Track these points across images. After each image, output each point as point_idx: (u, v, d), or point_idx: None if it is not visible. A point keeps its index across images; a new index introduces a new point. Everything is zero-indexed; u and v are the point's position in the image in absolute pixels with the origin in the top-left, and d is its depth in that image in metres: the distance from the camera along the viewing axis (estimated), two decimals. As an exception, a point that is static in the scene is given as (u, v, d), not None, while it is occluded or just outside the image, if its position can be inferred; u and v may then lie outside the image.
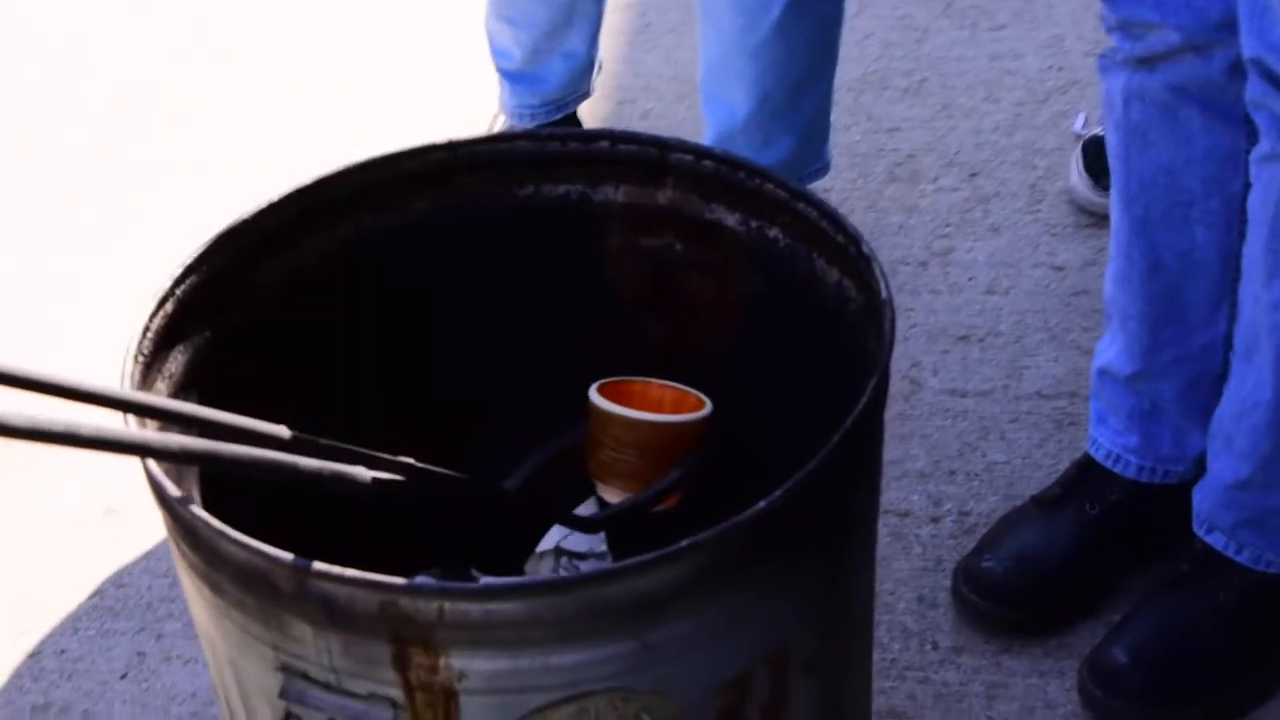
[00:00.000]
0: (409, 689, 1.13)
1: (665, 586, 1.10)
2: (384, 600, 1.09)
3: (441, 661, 1.11)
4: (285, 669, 1.17)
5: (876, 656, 1.98)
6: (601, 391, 1.48)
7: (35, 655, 2.12)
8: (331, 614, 1.11)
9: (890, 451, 2.32)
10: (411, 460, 1.20)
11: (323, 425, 1.19)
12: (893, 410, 2.39)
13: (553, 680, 1.12)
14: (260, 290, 1.42)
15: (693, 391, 1.51)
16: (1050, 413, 2.39)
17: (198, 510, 1.13)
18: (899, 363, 2.49)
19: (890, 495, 2.24)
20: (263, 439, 1.11)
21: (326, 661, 1.14)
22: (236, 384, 1.33)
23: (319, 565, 1.09)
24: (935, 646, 2.04)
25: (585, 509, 1.49)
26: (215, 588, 1.18)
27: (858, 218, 2.81)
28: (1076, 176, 2.77)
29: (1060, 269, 2.69)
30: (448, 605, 1.08)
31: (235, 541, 1.11)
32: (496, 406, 1.55)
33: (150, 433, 1.05)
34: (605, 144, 1.46)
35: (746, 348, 1.50)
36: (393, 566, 1.33)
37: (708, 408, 1.48)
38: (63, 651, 2.12)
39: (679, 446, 1.46)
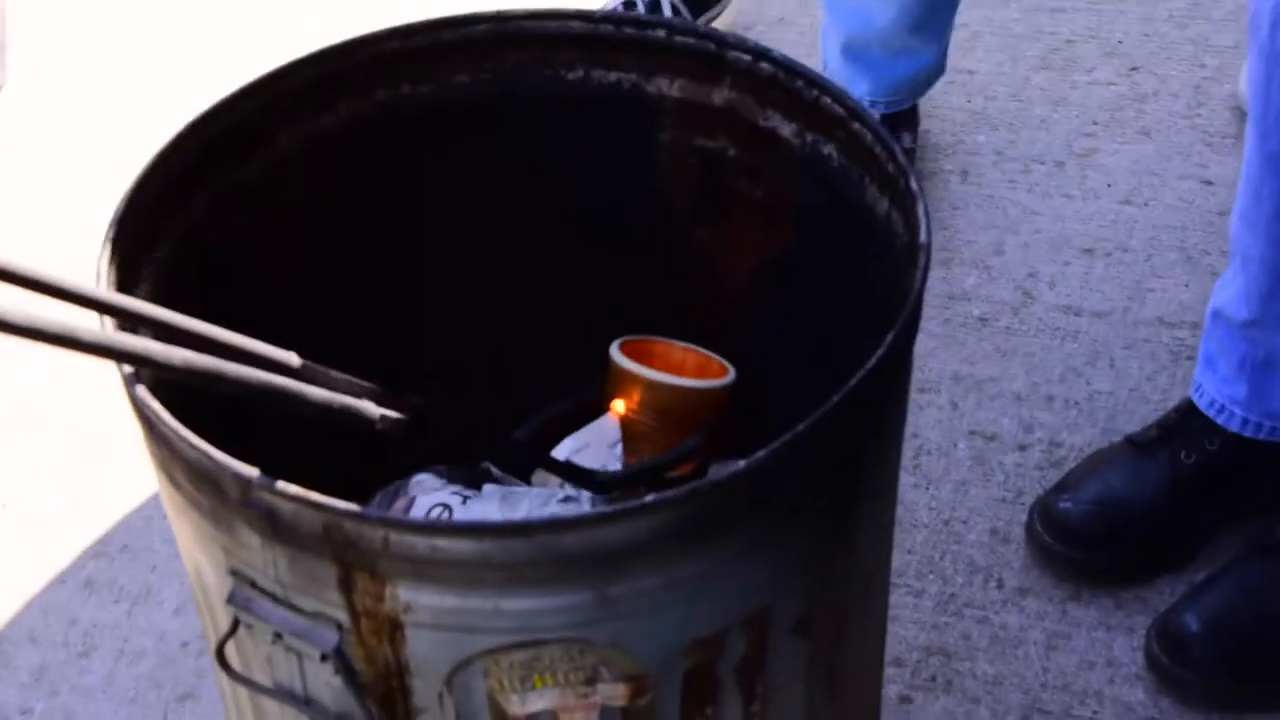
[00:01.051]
0: (354, 614, 1.10)
1: (626, 541, 1.05)
2: (328, 522, 1.05)
3: (387, 590, 1.07)
4: (235, 574, 1.14)
5: (935, 589, 1.93)
6: (624, 349, 1.43)
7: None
8: (276, 528, 1.07)
9: (987, 367, 2.23)
10: (420, 400, 1.15)
11: (326, 330, 1.15)
12: (999, 323, 2.30)
13: (503, 624, 1.08)
14: (279, 153, 1.37)
15: (716, 357, 1.47)
16: (1169, 342, 2.27)
17: (152, 403, 1.09)
18: (1014, 270, 2.39)
19: (979, 415, 2.16)
20: (268, 363, 1.07)
21: (273, 574, 1.11)
22: (236, 265, 1.29)
23: (262, 478, 1.05)
24: (1000, 585, 1.96)
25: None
26: (174, 482, 1.15)
27: (999, 106, 2.69)
28: (1246, 83, 2.61)
29: (1209, 184, 2.55)
30: (393, 535, 1.04)
31: (186, 440, 1.08)
32: (526, 314, 1.50)
33: (153, 345, 1.01)
34: (661, 33, 1.38)
35: (793, 267, 1.43)
36: (403, 459, 1.30)
37: (730, 375, 1.44)
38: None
39: (699, 413, 1.42)
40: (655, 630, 1.11)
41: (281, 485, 1.05)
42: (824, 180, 1.35)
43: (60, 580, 2.04)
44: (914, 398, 2.20)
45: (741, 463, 1.05)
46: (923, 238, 1.19)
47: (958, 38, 2.81)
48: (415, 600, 1.08)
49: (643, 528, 1.05)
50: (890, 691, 1.85)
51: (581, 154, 1.47)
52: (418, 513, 1.42)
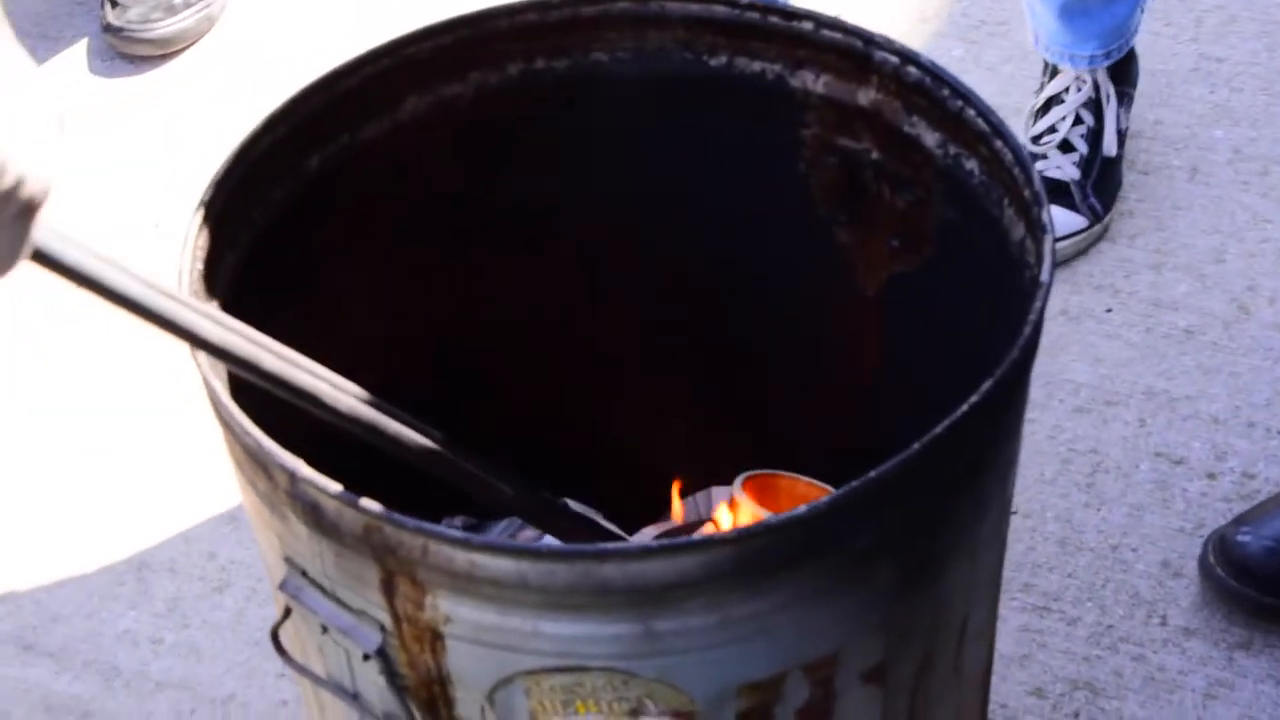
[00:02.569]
0: (396, 618, 1.08)
1: (672, 577, 1.01)
2: (368, 524, 1.03)
3: (428, 600, 1.05)
4: (289, 561, 1.13)
5: (1092, 618, 1.84)
6: (746, 485, 1.39)
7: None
8: (320, 523, 1.06)
9: (1186, 385, 2.12)
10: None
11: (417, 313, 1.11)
12: (1206, 337, 2.18)
13: (544, 646, 1.05)
14: (401, 118, 1.35)
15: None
16: (1392, 378, 2.12)
17: (212, 380, 1.09)
18: (1231, 281, 2.26)
19: (1169, 436, 2.05)
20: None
21: (320, 567, 1.10)
22: (335, 231, 1.28)
23: (306, 472, 1.03)
24: (1164, 622, 1.86)
25: None
26: (236, 461, 1.14)
27: (1244, 99, 2.55)
28: None
29: None
30: (432, 545, 1.02)
31: (239, 424, 1.07)
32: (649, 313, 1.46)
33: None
34: (808, 25, 1.32)
35: (928, 283, 1.36)
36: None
37: None
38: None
39: None
40: (706, 668, 1.07)
41: (324, 481, 1.03)
42: (963, 197, 1.28)
43: (206, 512, 2.06)
44: (1100, 410, 2.10)
45: (803, 507, 1.00)
46: (1044, 276, 1.11)
47: (1210, 21, 2.67)
48: (455, 612, 1.06)
49: (690, 564, 1.01)
50: (1027, 723, 1.78)
51: (720, 144, 1.41)
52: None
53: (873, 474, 1.01)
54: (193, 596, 1.96)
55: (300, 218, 1.29)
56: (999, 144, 1.22)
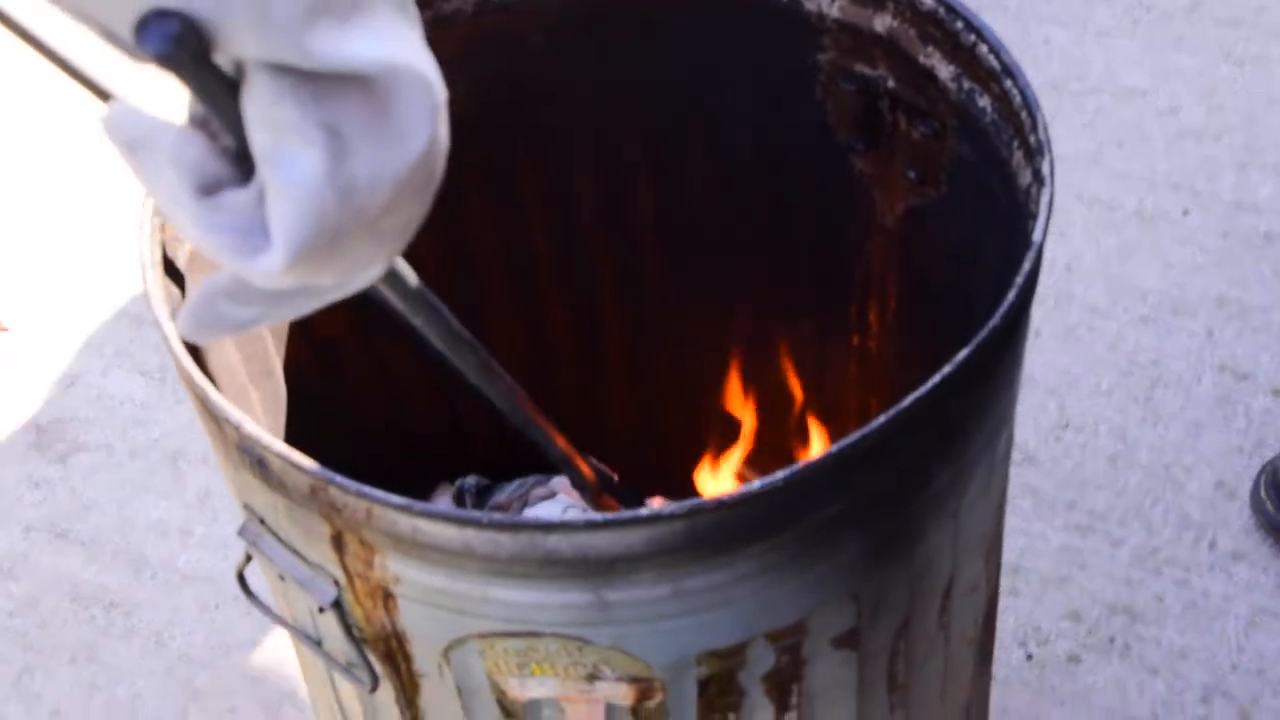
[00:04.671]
0: (348, 575, 1.06)
1: (621, 550, 0.98)
2: (313, 484, 1.01)
3: (376, 559, 1.03)
4: (247, 508, 1.12)
5: (1137, 539, 1.79)
6: None
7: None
8: (267, 478, 1.04)
9: (1260, 294, 2.05)
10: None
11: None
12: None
13: (495, 611, 1.03)
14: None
15: None
16: None
17: (180, 350, 1.07)
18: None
19: (1236, 348, 1.98)
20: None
21: (273, 518, 1.08)
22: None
23: (249, 428, 1.01)
24: (1213, 546, 1.82)
25: None
26: (198, 403, 1.12)
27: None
28: None
29: None
30: (375, 510, 0.99)
31: (190, 375, 1.05)
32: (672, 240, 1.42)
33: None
34: (821, -56, 1.25)
35: (946, 216, 1.31)
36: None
37: None
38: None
39: None
40: (661, 637, 1.05)
41: (269, 439, 1.01)
42: (978, 134, 1.23)
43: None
44: (1166, 320, 2.03)
45: (757, 482, 0.97)
46: (1037, 234, 1.06)
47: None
48: (404, 574, 1.04)
49: (636, 539, 0.98)
50: (1059, 648, 1.74)
51: (735, 67, 1.37)
52: (554, 508, 1.40)
53: (832, 450, 0.97)
54: (224, 490, 1.96)
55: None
56: (1009, 84, 1.16)
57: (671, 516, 0.97)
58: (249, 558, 1.15)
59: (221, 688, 1.78)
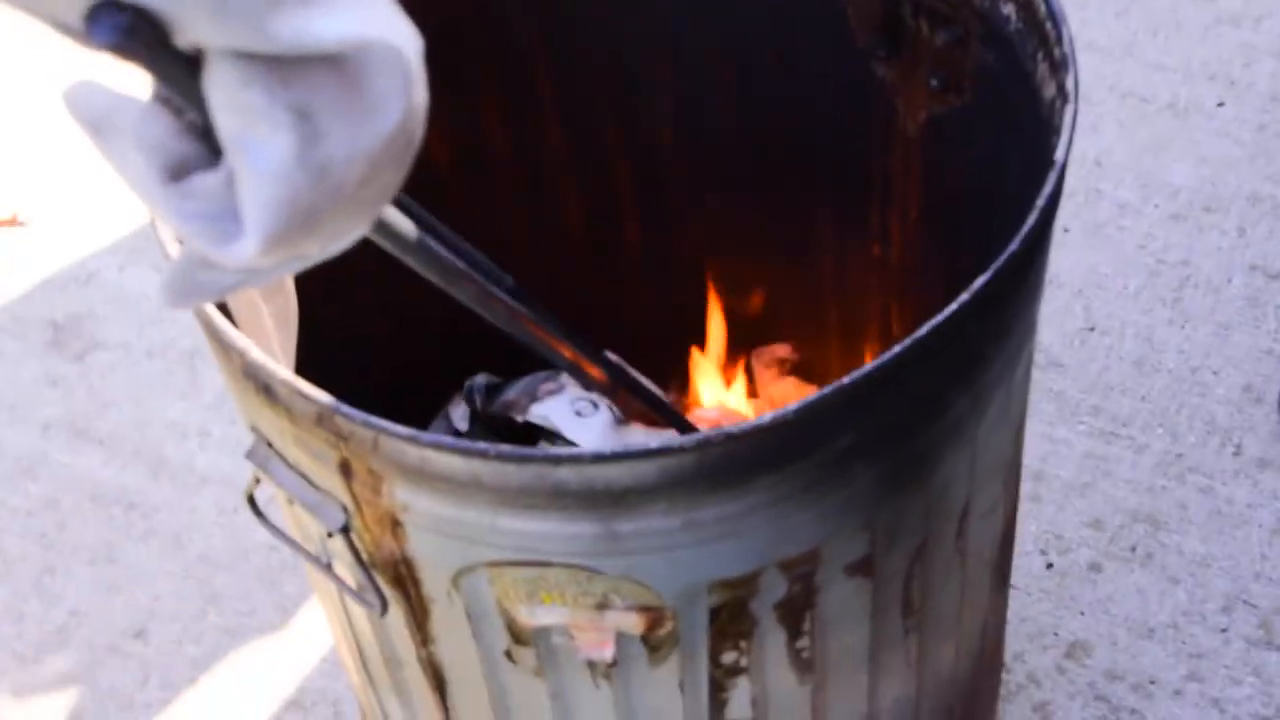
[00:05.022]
0: (355, 501, 1.05)
1: (630, 482, 0.97)
2: (320, 412, 1.00)
3: (384, 487, 1.02)
4: (255, 429, 1.11)
5: (1161, 445, 1.78)
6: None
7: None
8: (274, 402, 1.03)
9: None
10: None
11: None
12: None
13: (503, 541, 1.02)
14: None
15: None
16: None
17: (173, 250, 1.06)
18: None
19: (1269, 247, 1.96)
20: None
21: (281, 442, 1.07)
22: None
23: (255, 355, 1.00)
24: (1238, 452, 1.80)
25: None
26: (204, 326, 1.11)
27: None
28: None
29: None
30: (382, 440, 0.99)
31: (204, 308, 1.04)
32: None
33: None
34: None
35: (968, 126, 1.28)
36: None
37: None
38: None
39: None
40: (672, 567, 1.04)
41: (273, 366, 1.00)
42: (1001, 43, 1.20)
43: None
44: (1197, 217, 2.00)
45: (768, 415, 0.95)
46: (1059, 153, 1.03)
47: None
48: (412, 502, 1.03)
49: (647, 471, 0.97)
50: (1080, 556, 1.74)
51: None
52: (561, 403, 1.39)
53: (844, 381, 0.95)
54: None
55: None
56: (1034, -7, 1.13)
57: (681, 449, 0.96)
58: (256, 482, 1.14)
59: (239, 590, 1.78)
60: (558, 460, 0.98)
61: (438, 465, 0.98)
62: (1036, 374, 1.75)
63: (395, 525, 1.06)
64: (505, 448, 0.98)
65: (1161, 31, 2.25)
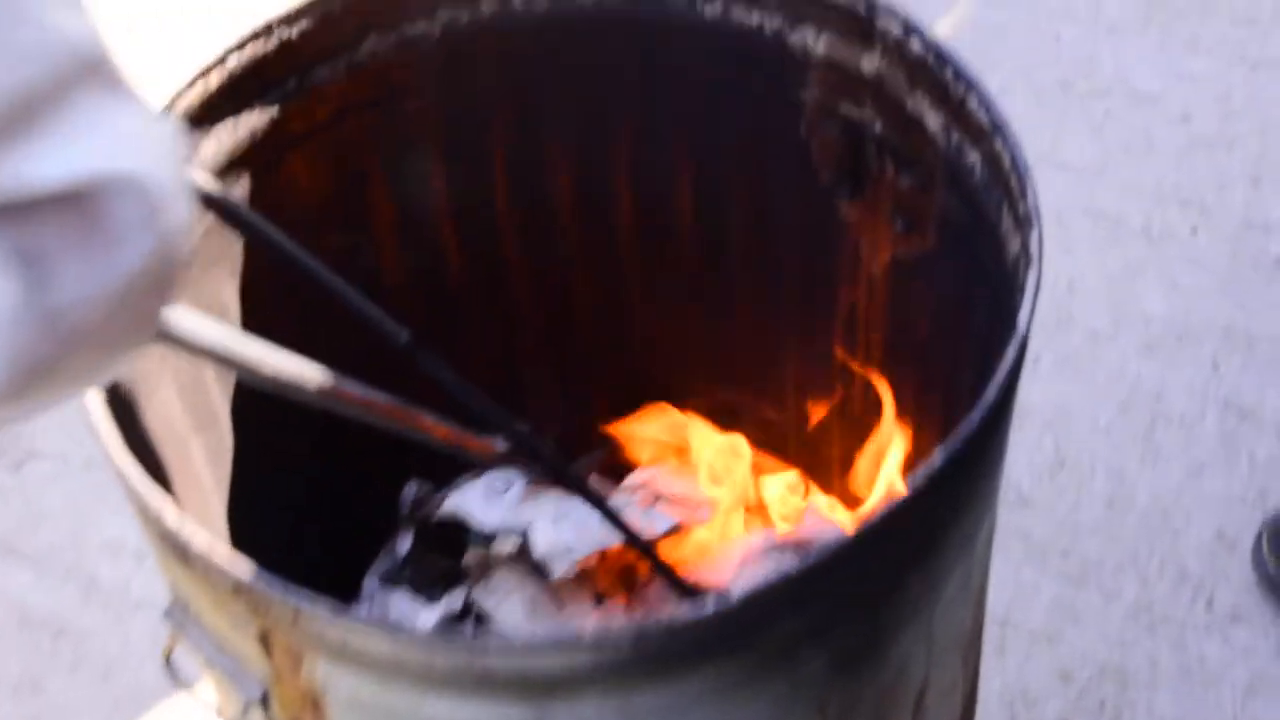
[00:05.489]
0: (275, 673, 0.99)
1: (564, 672, 0.91)
2: (237, 583, 0.94)
3: (305, 663, 0.96)
4: (174, 587, 1.05)
5: (1132, 593, 1.73)
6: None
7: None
8: (189, 564, 0.97)
9: (1271, 323, 1.96)
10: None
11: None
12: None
13: (430, 725, 0.96)
14: (362, 58, 1.24)
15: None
16: None
17: (97, 410, 0.99)
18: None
19: (1243, 381, 1.91)
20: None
21: (198, 606, 1.01)
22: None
23: (170, 520, 0.94)
24: (1210, 604, 1.75)
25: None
26: (122, 483, 1.05)
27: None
28: None
29: None
30: (303, 615, 0.92)
31: (111, 455, 0.98)
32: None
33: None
34: (809, -20, 1.18)
35: (931, 268, 1.24)
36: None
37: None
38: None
39: None
40: (611, 755, 0.97)
41: (192, 531, 0.94)
42: (966, 191, 1.16)
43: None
44: (1170, 349, 1.96)
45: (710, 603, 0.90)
46: (1021, 322, 0.98)
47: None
48: (331, 680, 0.98)
49: (581, 659, 0.91)
50: (1047, 711, 1.68)
51: (716, 99, 1.30)
52: (476, 490, 1.33)
53: (791, 570, 0.90)
54: (179, 510, 1.89)
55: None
56: (999, 143, 1.09)
57: (617, 640, 0.90)
58: (174, 641, 1.08)
59: (170, 726, 1.71)
60: (485, 647, 0.92)
61: (360, 644, 0.93)
62: (1004, 512, 1.70)
63: (316, 705, 1.00)
64: (429, 630, 0.93)
65: (1135, 151, 2.22)
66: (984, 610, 1.18)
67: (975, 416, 0.95)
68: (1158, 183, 2.17)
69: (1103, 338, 2.00)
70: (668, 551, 1.33)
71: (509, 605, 1.32)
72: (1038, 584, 1.77)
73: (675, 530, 1.35)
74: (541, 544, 1.29)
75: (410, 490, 1.40)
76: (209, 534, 0.96)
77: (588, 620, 1.31)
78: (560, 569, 1.28)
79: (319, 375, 0.96)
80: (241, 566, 0.93)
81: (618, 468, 1.47)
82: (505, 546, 1.31)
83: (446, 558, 1.37)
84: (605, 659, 0.91)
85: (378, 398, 1.02)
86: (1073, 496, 1.85)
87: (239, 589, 0.95)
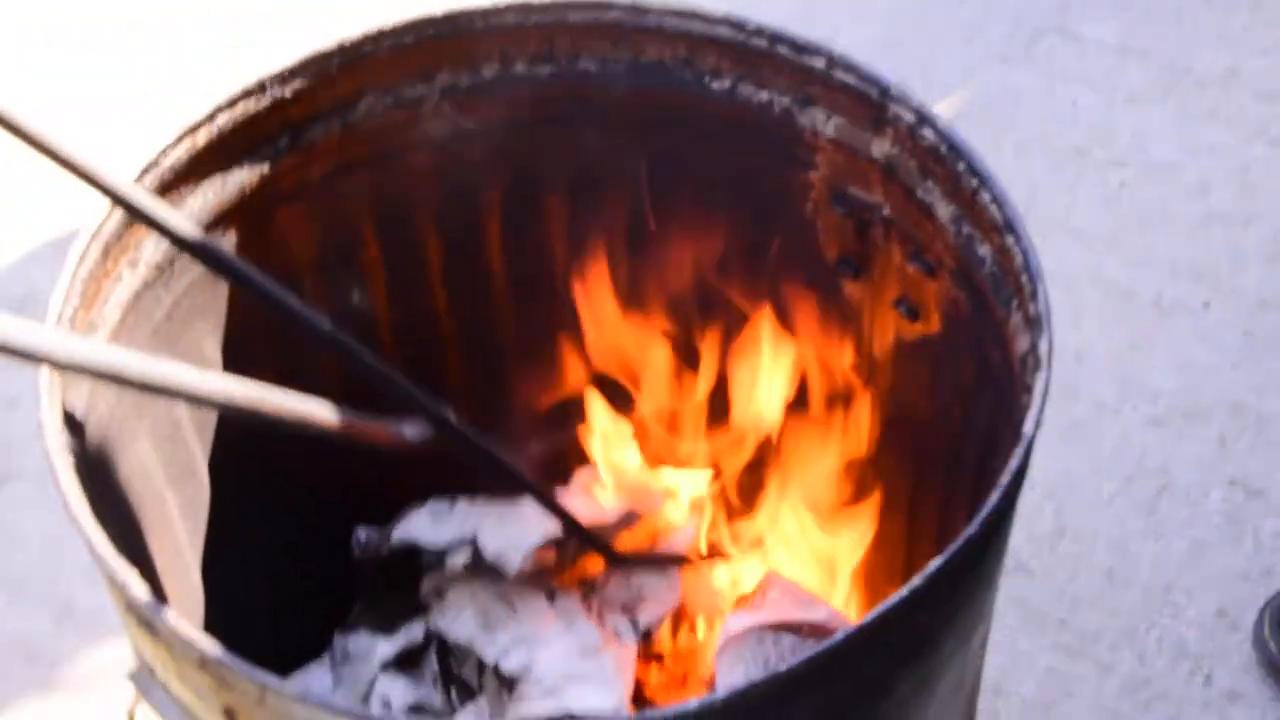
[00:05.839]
0: (241, 753, 0.97)
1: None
2: (202, 657, 0.92)
3: (273, 746, 0.94)
4: (138, 653, 1.03)
5: (1128, 668, 1.71)
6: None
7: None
8: (155, 634, 0.95)
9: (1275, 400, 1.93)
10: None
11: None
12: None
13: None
14: (359, 117, 1.22)
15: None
16: None
17: (65, 482, 0.98)
18: None
19: (1250, 461, 1.89)
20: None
21: (163, 674, 0.99)
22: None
23: (138, 593, 0.92)
24: (1208, 681, 1.72)
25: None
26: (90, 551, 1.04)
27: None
28: None
29: None
30: (270, 695, 0.90)
31: (75, 518, 0.96)
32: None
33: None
34: (820, 62, 1.17)
35: (935, 355, 1.22)
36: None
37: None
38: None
39: None
40: None
41: (157, 608, 0.92)
42: (974, 284, 1.13)
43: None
44: (1177, 424, 1.94)
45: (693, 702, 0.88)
46: (1027, 426, 0.96)
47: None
48: (301, 761, 0.94)
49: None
50: (1035, 789, 1.65)
51: (719, 174, 1.27)
52: (420, 515, 1.31)
53: (778, 671, 0.88)
54: (163, 540, 1.87)
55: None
56: (1010, 240, 1.07)
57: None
58: (137, 702, 1.06)
59: (142, 760, 1.69)
60: (456, 737, 0.90)
61: (329, 731, 0.90)
62: (1002, 578, 1.67)
63: (285, 785, 0.97)
64: (397, 717, 0.91)
65: (1150, 223, 2.20)
66: (976, 704, 1.16)
67: (974, 527, 0.93)
68: (1172, 255, 2.15)
69: (1109, 409, 1.98)
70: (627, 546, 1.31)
71: (462, 621, 1.31)
72: (1032, 654, 1.75)
73: (631, 520, 1.32)
74: (491, 545, 1.27)
75: (360, 536, 1.38)
76: (177, 606, 0.95)
77: (543, 620, 1.29)
78: (514, 564, 1.26)
79: (217, 379, 0.90)
80: (208, 642, 0.92)
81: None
82: (459, 559, 1.30)
83: (406, 595, 1.35)
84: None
85: (274, 396, 0.93)
86: (1072, 566, 1.83)
87: (204, 663, 0.93)
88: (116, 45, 2.40)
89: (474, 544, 1.27)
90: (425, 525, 1.30)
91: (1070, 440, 1.95)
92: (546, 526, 1.26)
